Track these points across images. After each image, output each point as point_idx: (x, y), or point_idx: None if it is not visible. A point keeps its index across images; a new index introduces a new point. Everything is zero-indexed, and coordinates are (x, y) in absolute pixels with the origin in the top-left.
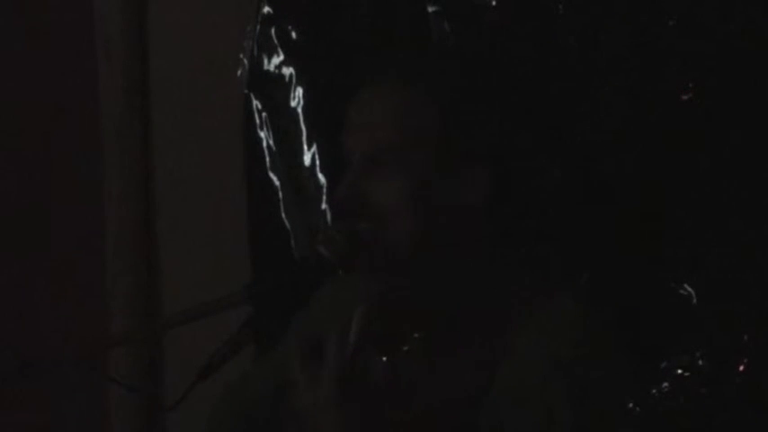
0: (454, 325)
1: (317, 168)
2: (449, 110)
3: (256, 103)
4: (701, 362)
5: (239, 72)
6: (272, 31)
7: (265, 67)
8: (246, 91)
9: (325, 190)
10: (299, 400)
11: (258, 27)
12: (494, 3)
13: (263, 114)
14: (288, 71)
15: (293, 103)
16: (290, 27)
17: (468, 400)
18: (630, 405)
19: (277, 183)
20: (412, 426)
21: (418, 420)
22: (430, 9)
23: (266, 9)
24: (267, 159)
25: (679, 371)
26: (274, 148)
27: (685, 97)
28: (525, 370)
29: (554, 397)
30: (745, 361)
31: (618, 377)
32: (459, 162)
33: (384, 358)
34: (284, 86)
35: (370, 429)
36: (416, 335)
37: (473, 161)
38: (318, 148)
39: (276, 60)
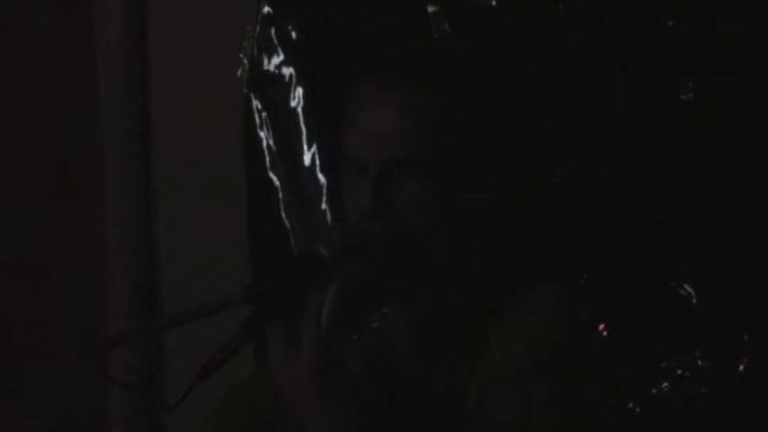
0: (444, 314)
1: (317, 168)
2: (464, 111)
3: (256, 103)
4: (700, 362)
5: (239, 72)
6: (272, 31)
7: (265, 67)
8: (246, 91)
9: (325, 190)
10: (282, 386)
11: (258, 27)
12: (493, 3)
13: (263, 114)
14: (288, 71)
15: (293, 103)
16: (290, 27)
17: (454, 387)
18: (630, 405)
19: (277, 183)
20: (399, 410)
21: (406, 405)
22: (430, 9)
23: (266, 9)
24: (267, 159)
25: (679, 371)
26: (274, 148)
27: (685, 97)
28: (503, 356)
29: (528, 381)
30: (745, 361)
31: (596, 364)
32: (475, 163)
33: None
34: (284, 86)
35: (352, 410)
36: (385, 310)
37: (486, 161)
38: (318, 148)
39: (276, 60)
